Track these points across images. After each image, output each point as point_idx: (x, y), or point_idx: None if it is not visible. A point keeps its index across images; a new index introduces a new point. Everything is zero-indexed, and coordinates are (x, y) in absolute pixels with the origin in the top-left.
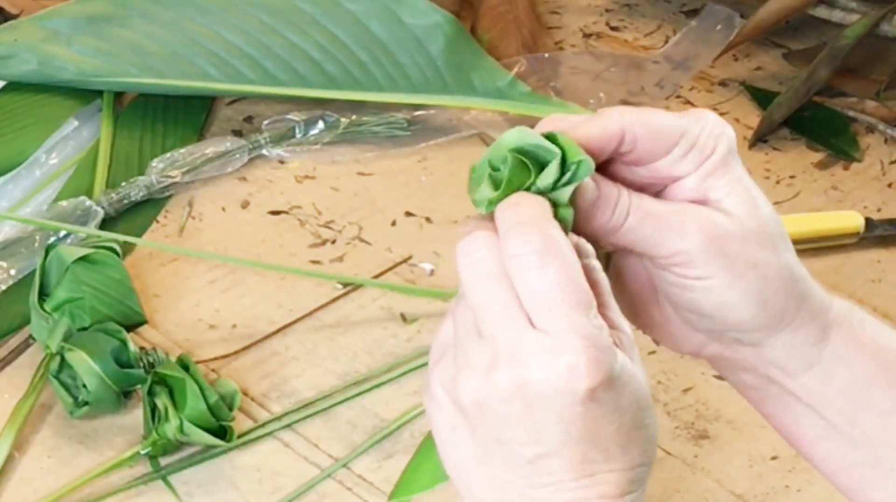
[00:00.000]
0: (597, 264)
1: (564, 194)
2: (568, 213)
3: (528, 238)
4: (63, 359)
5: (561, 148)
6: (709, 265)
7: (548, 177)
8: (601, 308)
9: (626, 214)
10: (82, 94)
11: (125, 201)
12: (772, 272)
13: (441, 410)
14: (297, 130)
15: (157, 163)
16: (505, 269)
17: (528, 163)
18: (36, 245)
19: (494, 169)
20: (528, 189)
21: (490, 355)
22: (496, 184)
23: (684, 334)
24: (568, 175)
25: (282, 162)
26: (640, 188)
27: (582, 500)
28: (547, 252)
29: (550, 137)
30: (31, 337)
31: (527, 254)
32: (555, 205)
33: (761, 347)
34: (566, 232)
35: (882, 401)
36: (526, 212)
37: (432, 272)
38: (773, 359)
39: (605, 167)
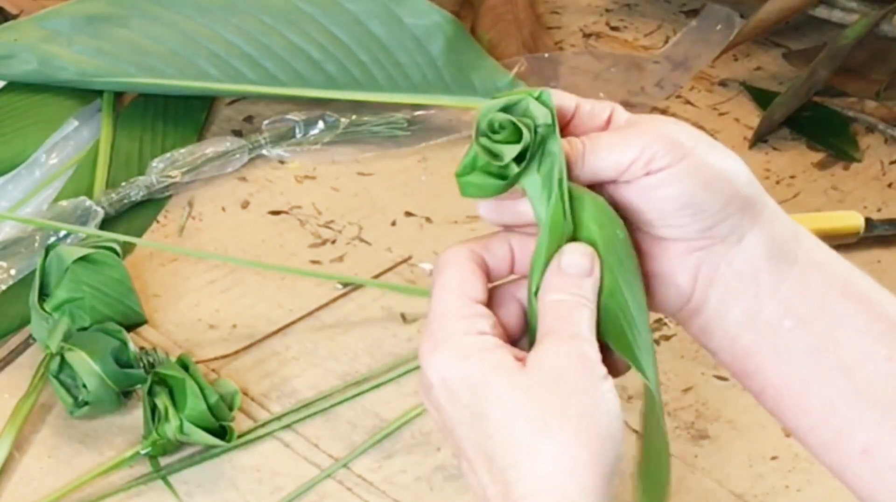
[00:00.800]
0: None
1: (555, 133)
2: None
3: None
4: (63, 359)
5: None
6: (670, 152)
7: (539, 118)
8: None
9: (584, 151)
10: (82, 94)
11: (125, 201)
12: (727, 159)
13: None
14: (297, 130)
15: (157, 163)
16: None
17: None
18: (36, 245)
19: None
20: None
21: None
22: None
23: (678, 266)
24: (543, 111)
25: (282, 162)
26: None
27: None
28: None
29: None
30: (31, 337)
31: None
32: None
33: (746, 243)
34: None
35: (853, 318)
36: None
37: (432, 272)
38: (758, 258)
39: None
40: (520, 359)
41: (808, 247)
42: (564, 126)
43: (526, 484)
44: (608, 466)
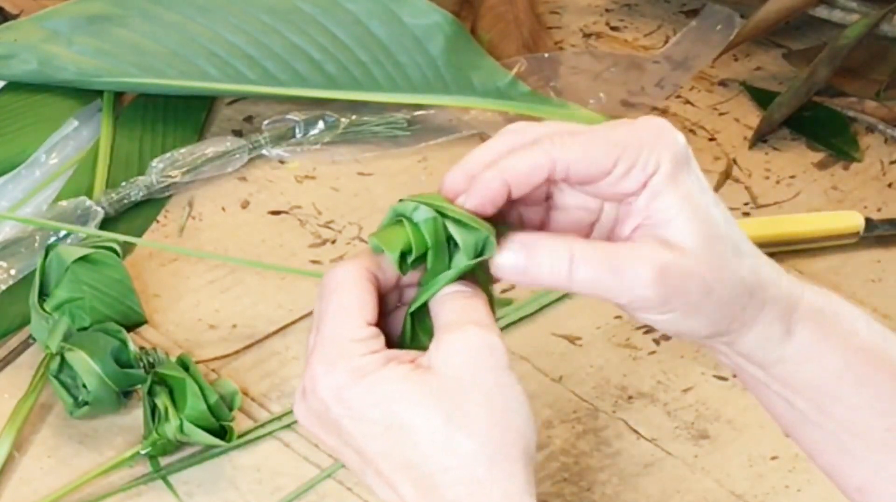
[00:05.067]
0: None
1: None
2: (483, 276)
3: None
4: (63, 359)
5: (465, 226)
6: (666, 304)
7: (460, 261)
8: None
9: (570, 274)
10: (82, 94)
11: (125, 201)
12: (727, 292)
13: None
14: (297, 130)
15: (157, 163)
16: None
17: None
18: (36, 245)
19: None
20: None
21: None
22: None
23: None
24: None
25: (282, 162)
26: (595, 206)
27: None
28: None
29: (449, 214)
30: (31, 337)
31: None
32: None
33: (729, 345)
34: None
35: (850, 396)
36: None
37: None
38: (743, 352)
39: (550, 191)
40: (411, 362)
41: (799, 341)
42: (595, 182)
43: (460, 487)
44: (526, 455)
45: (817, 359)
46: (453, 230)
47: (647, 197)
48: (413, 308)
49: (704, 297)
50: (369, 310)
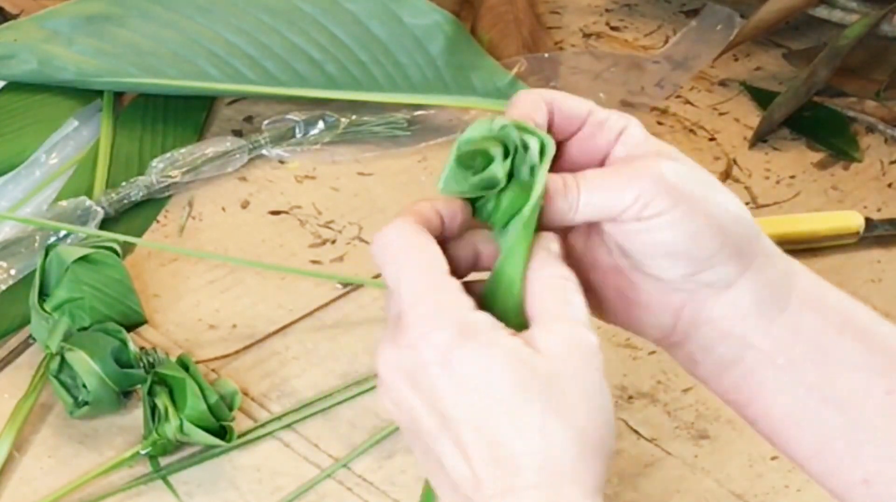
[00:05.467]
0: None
1: (539, 181)
2: (538, 201)
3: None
4: (63, 359)
5: (525, 131)
6: (664, 199)
7: (529, 160)
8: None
9: (579, 194)
10: (82, 94)
11: (125, 201)
12: (722, 204)
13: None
14: (297, 130)
15: (157, 163)
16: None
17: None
18: (36, 245)
19: (467, 166)
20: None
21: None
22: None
23: (660, 301)
24: (536, 158)
25: (282, 162)
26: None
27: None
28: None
29: (513, 126)
30: (31, 337)
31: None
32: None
33: (733, 291)
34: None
35: (850, 355)
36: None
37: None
38: (746, 306)
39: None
40: (515, 336)
41: (803, 286)
42: (572, 134)
43: (542, 474)
44: (608, 457)
45: (817, 309)
46: (522, 135)
47: (624, 146)
48: (506, 253)
49: (702, 200)
50: (444, 261)
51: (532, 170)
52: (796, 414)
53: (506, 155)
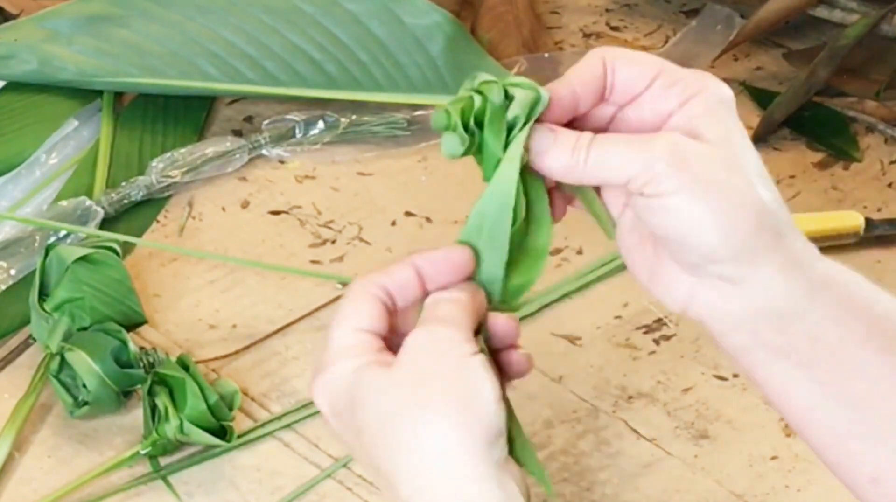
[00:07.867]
0: None
1: (523, 133)
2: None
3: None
4: (63, 359)
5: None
6: (671, 178)
7: (515, 109)
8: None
9: (587, 152)
10: (82, 94)
11: (125, 201)
12: (738, 197)
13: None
14: (297, 130)
15: (157, 163)
16: None
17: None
18: (36, 245)
19: (464, 123)
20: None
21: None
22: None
23: (673, 277)
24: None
25: (282, 162)
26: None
27: None
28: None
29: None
30: (31, 337)
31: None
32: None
33: (744, 287)
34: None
35: (871, 366)
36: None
37: None
38: (759, 304)
39: (595, 112)
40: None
41: (830, 296)
42: (636, 96)
43: (433, 472)
44: (486, 440)
45: (840, 322)
46: (509, 89)
47: (684, 116)
48: (485, 196)
49: (713, 187)
50: (362, 317)
51: (515, 119)
52: (807, 408)
53: (468, 113)
